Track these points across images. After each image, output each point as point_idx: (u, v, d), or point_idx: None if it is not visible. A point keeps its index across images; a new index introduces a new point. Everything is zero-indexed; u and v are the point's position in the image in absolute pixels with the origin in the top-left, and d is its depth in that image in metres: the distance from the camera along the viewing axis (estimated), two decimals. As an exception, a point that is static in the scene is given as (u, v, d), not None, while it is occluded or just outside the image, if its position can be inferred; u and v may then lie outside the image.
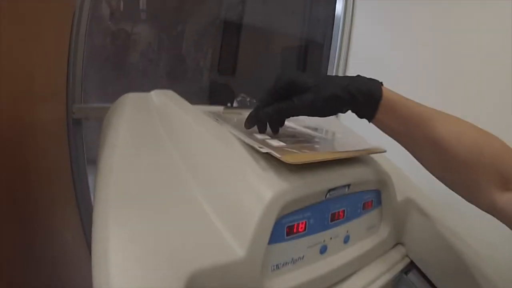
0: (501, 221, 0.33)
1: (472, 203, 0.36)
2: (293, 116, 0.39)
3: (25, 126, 0.61)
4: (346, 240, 0.42)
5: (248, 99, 0.59)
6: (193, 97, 1.20)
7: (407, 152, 0.40)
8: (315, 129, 0.55)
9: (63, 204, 0.70)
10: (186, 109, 0.46)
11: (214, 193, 0.35)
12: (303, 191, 0.34)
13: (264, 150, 0.34)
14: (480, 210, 0.36)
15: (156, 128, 0.43)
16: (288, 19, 1.23)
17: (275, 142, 0.39)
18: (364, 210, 0.44)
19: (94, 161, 0.68)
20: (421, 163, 0.39)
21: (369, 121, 0.40)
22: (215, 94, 1.15)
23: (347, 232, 0.42)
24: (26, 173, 0.63)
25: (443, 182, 0.38)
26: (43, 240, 0.67)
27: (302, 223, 0.37)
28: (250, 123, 0.42)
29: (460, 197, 0.37)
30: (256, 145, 0.36)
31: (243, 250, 0.30)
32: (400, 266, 0.48)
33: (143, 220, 0.31)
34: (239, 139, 0.39)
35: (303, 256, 0.37)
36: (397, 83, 0.87)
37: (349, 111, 0.40)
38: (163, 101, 0.48)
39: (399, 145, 0.40)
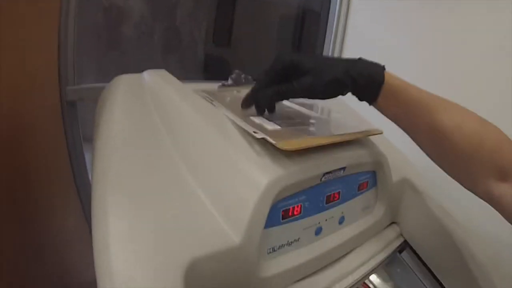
0: (496, 210, 0.33)
1: (469, 190, 0.36)
2: (292, 98, 0.39)
3: (20, 113, 0.60)
4: (341, 221, 0.43)
5: (243, 75, 0.58)
6: (188, 71, 1.18)
7: (410, 148, 0.40)
8: (311, 107, 0.54)
9: (62, 189, 0.70)
10: (179, 91, 0.45)
11: (209, 180, 0.35)
12: (299, 176, 0.34)
13: (259, 135, 0.34)
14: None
15: (150, 114, 0.43)
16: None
17: (270, 126, 0.38)
18: (360, 191, 0.44)
19: (89, 139, 0.68)
20: (420, 148, 0.39)
21: (370, 104, 0.39)
22: (210, 67, 1.13)
23: (342, 213, 0.42)
24: (24, 162, 0.62)
25: (441, 168, 0.38)
26: (44, 225, 0.68)
27: (298, 206, 0.37)
28: (247, 104, 0.42)
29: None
30: (251, 130, 0.35)
31: (239, 237, 0.31)
32: (394, 245, 0.49)
33: (140, 212, 0.31)
34: (234, 123, 0.38)
35: (298, 238, 0.38)
36: (395, 56, 0.86)
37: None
38: (156, 83, 0.47)
39: (403, 134, 0.39)
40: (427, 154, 0.39)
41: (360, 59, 0.38)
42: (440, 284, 0.48)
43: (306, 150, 0.36)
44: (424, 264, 0.50)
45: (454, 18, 0.79)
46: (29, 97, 0.61)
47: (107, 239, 0.28)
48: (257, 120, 0.40)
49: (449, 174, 0.38)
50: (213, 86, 0.56)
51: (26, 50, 0.58)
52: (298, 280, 0.38)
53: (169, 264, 0.27)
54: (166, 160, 0.37)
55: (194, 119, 0.40)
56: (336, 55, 1.06)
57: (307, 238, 0.39)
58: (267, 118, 0.41)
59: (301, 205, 0.37)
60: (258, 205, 0.31)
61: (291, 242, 0.38)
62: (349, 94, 0.39)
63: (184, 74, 1.10)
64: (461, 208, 0.51)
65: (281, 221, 0.36)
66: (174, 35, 1.11)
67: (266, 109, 0.42)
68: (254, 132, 0.34)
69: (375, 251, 0.46)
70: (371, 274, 0.46)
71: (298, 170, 0.34)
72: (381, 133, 0.43)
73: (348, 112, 0.63)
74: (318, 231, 0.40)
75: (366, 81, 0.36)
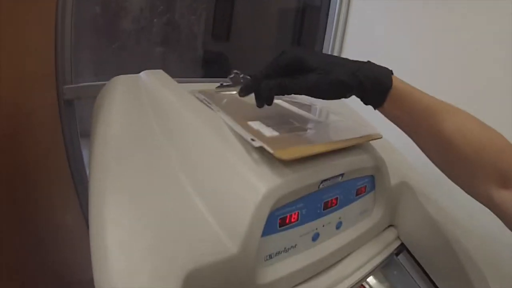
0: (496, 215, 0.33)
1: (470, 195, 0.36)
2: (293, 94, 0.38)
3: (18, 112, 0.59)
4: (339, 226, 0.43)
5: (241, 76, 0.57)
6: (187, 65, 1.17)
7: (408, 145, 0.39)
8: (309, 108, 0.54)
9: (61, 188, 0.70)
10: (177, 95, 0.44)
11: (207, 187, 0.35)
12: (297, 184, 0.34)
13: (257, 144, 0.33)
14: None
15: (147, 117, 0.42)
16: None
17: (268, 132, 0.38)
18: (358, 195, 0.44)
19: (86, 135, 0.68)
20: (422, 151, 0.39)
21: (375, 108, 0.38)
22: (209, 62, 1.11)
23: (340, 218, 0.42)
24: (23, 161, 0.62)
25: (442, 171, 0.38)
26: (44, 223, 0.68)
27: (295, 214, 0.37)
28: (245, 92, 0.41)
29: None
30: (249, 138, 0.35)
31: (237, 247, 0.31)
32: (391, 248, 0.49)
33: (137, 222, 0.30)
34: (232, 129, 0.38)
35: (295, 245, 0.38)
36: (396, 51, 0.85)
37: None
38: (154, 85, 0.47)
39: (401, 133, 0.39)
40: (429, 158, 0.38)
41: (368, 62, 0.37)
42: (436, 287, 0.48)
43: (304, 158, 0.35)
44: (421, 266, 0.50)
45: (455, 16, 0.78)
46: (27, 96, 0.60)
47: (105, 251, 0.28)
48: (255, 125, 0.39)
49: (450, 178, 0.38)
50: (211, 86, 0.56)
51: (24, 49, 0.57)
52: (295, 286, 0.38)
53: (168, 274, 0.27)
54: (163, 166, 0.37)
55: (191, 124, 0.39)
56: (336, 50, 1.04)
57: (304, 244, 0.39)
58: (264, 123, 0.40)
59: (298, 212, 0.37)
60: (256, 215, 0.31)
61: (288, 248, 0.38)
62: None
63: (183, 69, 1.09)
64: (461, 208, 0.51)
65: (278, 228, 0.36)
66: (173, 29, 1.10)
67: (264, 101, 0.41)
68: (252, 139, 0.34)
69: (372, 254, 0.47)
70: (368, 277, 0.46)
71: (296, 179, 0.34)
72: (380, 137, 0.43)
73: (347, 112, 0.63)
74: (315, 237, 0.40)
75: (373, 85, 0.35)
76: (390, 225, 0.52)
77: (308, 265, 0.39)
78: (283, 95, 0.38)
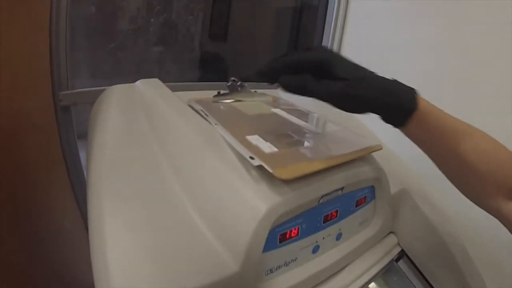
0: (503, 225, 0.35)
1: (478, 206, 0.37)
2: (311, 97, 0.35)
3: (15, 119, 0.59)
4: (339, 237, 0.43)
5: (238, 83, 0.57)
6: (184, 66, 1.15)
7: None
8: (307, 116, 0.53)
9: (60, 190, 0.70)
10: (173, 106, 0.44)
11: (205, 205, 0.35)
12: (297, 202, 0.34)
13: (256, 162, 0.33)
14: None
15: (143, 130, 0.42)
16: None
17: (267, 148, 0.37)
18: (357, 207, 0.44)
19: (83, 136, 0.67)
20: (436, 166, 0.39)
21: (395, 127, 0.37)
22: (206, 63, 1.10)
23: (340, 230, 0.42)
24: (22, 164, 0.62)
25: (453, 184, 0.39)
26: (43, 225, 0.68)
27: (295, 229, 0.37)
28: (260, 79, 0.38)
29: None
30: (247, 156, 0.34)
31: (238, 265, 0.31)
32: (391, 255, 0.49)
33: (136, 241, 0.31)
34: (230, 145, 0.38)
35: (295, 258, 0.38)
36: (395, 51, 0.84)
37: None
38: (150, 96, 0.46)
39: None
40: (442, 171, 0.39)
41: (395, 80, 0.36)
42: (436, 293, 0.49)
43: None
44: (420, 272, 0.50)
45: (455, 13, 0.77)
46: (23, 102, 0.60)
47: (107, 273, 0.28)
48: (253, 140, 0.39)
49: (459, 190, 0.38)
50: (208, 94, 0.55)
51: (19, 55, 0.57)
52: (296, 297, 0.38)
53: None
54: (161, 181, 0.37)
55: (188, 140, 0.39)
56: (335, 47, 1.03)
57: (304, 257, 0.39)
58: (263, 137, 0.40)
59: (298, 228, 0.37)
60: (256, 233, 0.31)
61: (289, 262, 0.38)
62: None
63: (179, 69, 1.08)
64: (460, 214, 0.51)
65: (278, 244, 0.36)
66: (169, 29, 1.09)
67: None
68: (251, 157, 0.34)
69: (372, 262, 0.47)
70: (368, 284, 0.47)
71: (296, 196, 0.34)
72: (381, 148, 0.43)
73: (346, 119, 0.62)
74: (316, 250, 0.40)
75: (398, 106, 0.34)
76: (390, 232, 0.52)
77: (308, 277, 0.39)
78: (300, 95, 0.36)
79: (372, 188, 0.46)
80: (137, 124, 0.44)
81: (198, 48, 1.10)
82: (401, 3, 0.86)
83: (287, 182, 0.34)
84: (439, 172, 0.39)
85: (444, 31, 0.79)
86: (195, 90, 0.58)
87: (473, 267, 0.46)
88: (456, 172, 0.37)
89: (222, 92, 0.56)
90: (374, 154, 0.45)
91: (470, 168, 0.35)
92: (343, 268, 0.44)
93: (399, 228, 0.51)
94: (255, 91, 0.59)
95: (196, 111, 0.46)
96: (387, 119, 0.36)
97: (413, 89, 0.36)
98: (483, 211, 0.38)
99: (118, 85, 0.49)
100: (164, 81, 0.52)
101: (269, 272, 0.36)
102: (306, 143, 0.41)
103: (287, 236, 0.36)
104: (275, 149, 0.37)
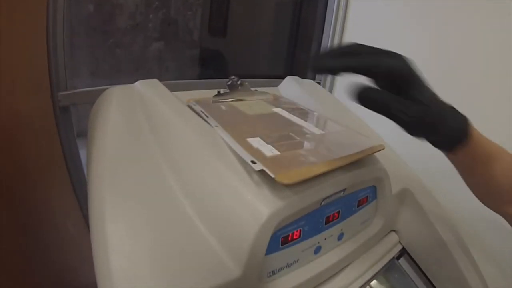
0: None
1: (496, 212, 0.39)
2: (386, 116, 0.32)
3: (15, 120, 0.59)
4: (340, 237, 0.43)
5: (239, 82, 0.56)
6: (183, 63, 1.14)
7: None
8: (307, 115, 0.53)
9: (61, 190, 0.70)
10: (173, 108, 0.44)
11: (208, 210, 0.35)
12: (299, 205, 0.34)
13: (258, 167, 0.33)
14: (475, 199, 0.40)
15: (143, 133, 0.42)
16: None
17: (268, 151, 0.37)
18: (359, 206, 0.44)
19: (83, 134, 0.67)
20: (464, 180, 0.40)
21: (441, 150, 0.37)
22: (206, 60, 1.10)
23: (341, 230, 0.43)
24: (21, 165, 0.62)
25: (474, 193, 0.40)
26: (44, 227, 0.68)
27: (297, 231, 0.37)
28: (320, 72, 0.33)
29: (456, 184, 0.40)
30: (249, 160, 0.34)
31: (240, 269, 0.31)
32: (393, 253, 0.49)
33: (138, 247, 0.31)
34: (231, 148, 0.37)
35: (297, 260, 0.38)
36: (397, 42, 0.83)
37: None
38: (149, 97, 0.46)
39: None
40: (471, 189, 0.40)
41: (452, 108, 0.34)
42: (436, 291, 0.49)
43: (306, 178, 0.35)
44: (421, 270, 0.51)
45: (457, 8, 0.76)
46: (25, 99, 0.60)
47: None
48: (255, 142, 0.39)
49: (476, 196, 0.40)
50: (208, 94, 0.55)
51: (17, 55, 0.56)
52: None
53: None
54: (161, 184, 0.37)
55: (189, 143, 0.39)
56: (336, 41, 1.02)
57: (306, 258, 0.39)
58: (264, 139, 0.40)
59: (300, 230, 0.37)
60: (259, 238, 0.31)
61: (291, 264, 0.38)
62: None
63: (179, 65, 1.07)
64: (461, 213, 0.52)
65: (280, 247, 0.36)
66: (168, 25, 1.08)
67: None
68: (253, 162, 0.34)
69: (374, 260, 0.47)
70: (369, 282, 0.47)
71: (298, 200, 0.34)
72: (383, 148, 0.42)
73: (346, 117, 0.62)
74: (317, 250, 0.40)
75: (454, 134, 0.34)
76: (391, 230, 0.52)
77: (310, 277, 0.39)
78: (374, 111, 0.32)
79: (374, 188, 0.46)
80: (137, 126, 0.44)
81: (197, 43, 1.09)
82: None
83: (289, 185, 0.34)
84: (441, 172, 0.39)
85: (444, 30, 0.78)
86: (194, 90, 0.57)
87: (474, 266, 0.47)
88: (481, 187, 0.39)
89: (222, 91, 0.55)
90: (376, 154, 0.45)
91: (495, 185, 0.37)
92: (345, 267, 0.45)
93: (400, 226, 0.51)
94: (256, 90, 0.58)
95: (196, 112, 0.46)
96: (437, 144, 0.35)
97: (466, 118, 0.35)
98: (484, 210, 0.40)
99: (117, 86, 0.49)
100: (163, 77, 0.52)
101: (271, 274, 0.36)
102: (307, 145, 0.40)
103: (289, 238, 0.36)
104: (277, 152, 0.37)
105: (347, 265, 0.45)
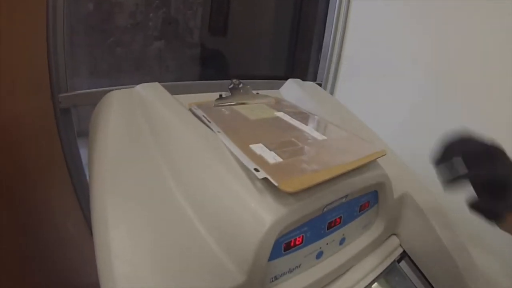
0: None
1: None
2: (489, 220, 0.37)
3: (15, 121, 0.58)
4: (342, 242, 0.43)
5: (241, 85, 0.56)
6: (184, 62, 1.14)
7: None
8: (308, 118, 0.53)
9: (61, 193, 0.70)
10: (174, 112, 0.43)
11: (211, 217, 0.35)
12: (302, 212, 0.34)
13: (261, 175, 0.33)
14: None
15: (144, 137, 0.42)
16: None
17: (271, 158, 0.37)
18: (361, 211, 0.44)
19: (84, 134, 0.67)
20: None
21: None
22: (207, 60, 1.09)
23: (343, 235, 0.43)
24: (22, 166, 0.62)
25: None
26: (44, 228, 0.68)
27: (300, 237, 0.37)
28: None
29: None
30: (252, 167, 0.34)
31: (243, 276, 0.31)
32: (394, 256, 0.50)
33: (141, 254, 0.31)
34: (234, 154, 0.38)
35: (300, 265, 0.39)
36: (399, 40, 0.83)
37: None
38: (150, 101, 0.46)
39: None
40: None
41: None
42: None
43: (309, 185, 0.35)
44: (421, 273, 0.51)
45: (458, 7, 0.76)
46: (25, 101, 0.59)
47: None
48: (257, 149, 0.39)
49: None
50: (210, 97, 0.54)
51: (18, 57, 0.56)
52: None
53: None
54: (163, 189, 0.37)
55: (191, 149, 0.39)
56: (338, 41, 1.02)
57: (308, 263, 0.40)
58: (267, 146, 0.40)
59: (303, 236, 0.37)
60: (262, 245, 0.32)
61: (293, 269, 0.38)
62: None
63: (179, 65, 1.07)
64: (462, 216, 0.52)
65: (283, 252, 0.36)
66: (169, 24, 1.07)
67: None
68: (256, 169, 0.34)
69: (375, 264, 0.47)
70: (371, 285, 0.47)
71: (301, 207, 0.34)
72: (384, 154, 0.43)
73: (347, 119, 0.62)
74: (319, 255, 0.41)
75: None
76: (392, 234, 0.52)
77: (312, 282, 0.39)
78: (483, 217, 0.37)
79: (375, 193, 0.46)
80: (138, 130, 0.44)
81: (198, 42, 1.09)
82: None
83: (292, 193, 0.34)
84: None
85: (444, 30, 0.78)
86: (196, 92, 0.57)
87: (474, 269, 0.47)
88: None
89: (224, 94, 0.55)
90: (378, 159, 0.45)
91: None
92: (346, 270, 0.45)
93: (401, 230, 0.52)
94: (257, 93, 0.58)
95: (198, 117, 0.46)
96: (491, 218, 0.37)
97: None
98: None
99: (119, 90, 0.48)
100: (163, 76, 0.51)
101: (273, 279, 0.36)
102: (310, 151, 0.40)
103: (292, 244, 0.37)
104: (280, 159, 0.37)
105: (348, 269, 0.45)
